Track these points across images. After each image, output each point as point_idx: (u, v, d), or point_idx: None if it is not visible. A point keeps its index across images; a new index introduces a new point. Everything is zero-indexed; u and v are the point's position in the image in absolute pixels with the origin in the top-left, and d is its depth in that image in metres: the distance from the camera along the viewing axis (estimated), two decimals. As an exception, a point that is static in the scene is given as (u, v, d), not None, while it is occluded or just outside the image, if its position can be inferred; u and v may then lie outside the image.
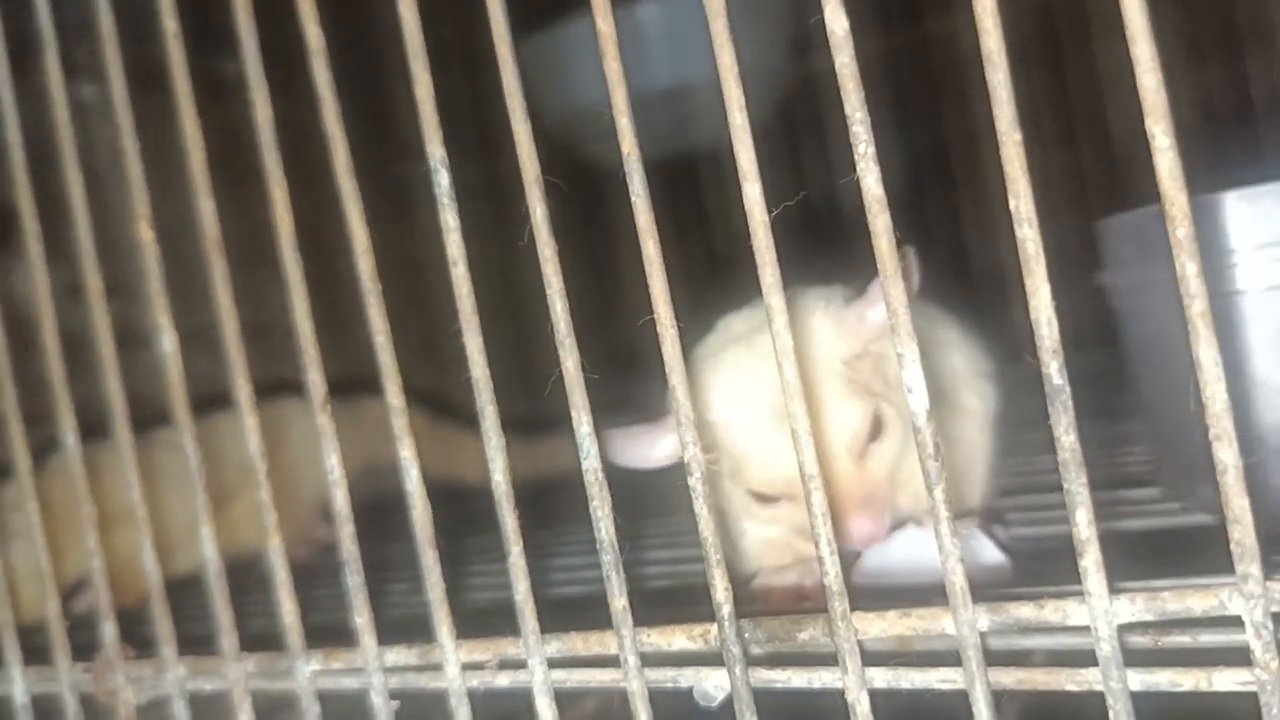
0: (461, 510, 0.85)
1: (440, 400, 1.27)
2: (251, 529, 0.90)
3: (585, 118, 1.36)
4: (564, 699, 0.58)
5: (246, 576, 0.88)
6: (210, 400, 0.80)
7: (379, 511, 0.80)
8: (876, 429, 0.65)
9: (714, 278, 0.76)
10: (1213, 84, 1.47)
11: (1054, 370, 0.44)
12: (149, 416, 0.84)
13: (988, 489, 0.76)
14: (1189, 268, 0.42)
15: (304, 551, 1.21)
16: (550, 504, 1.06)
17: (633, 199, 0.52)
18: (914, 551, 0.66)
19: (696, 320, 0.72)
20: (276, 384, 0.92)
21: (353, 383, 0.90)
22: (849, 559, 0.69)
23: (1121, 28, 0.42)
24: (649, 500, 0.83)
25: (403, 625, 0.65)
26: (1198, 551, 0.62)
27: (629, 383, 0.71)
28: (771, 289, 0.50)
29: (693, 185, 1.71)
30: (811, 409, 0.49)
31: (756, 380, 0.66)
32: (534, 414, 0.92)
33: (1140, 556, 0.63)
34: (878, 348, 0.67)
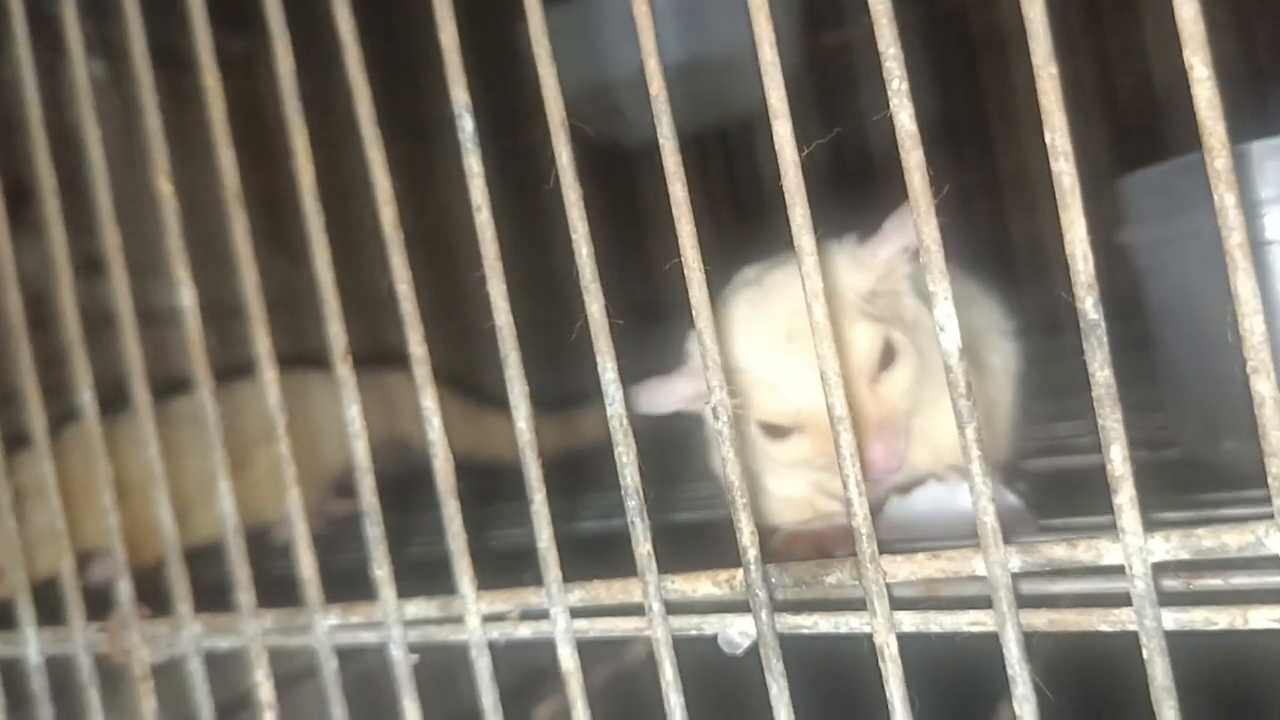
0: (479, 486, 0.85)
1: (462, 381, 1.27)
2: (264, 497, 0.90)
3: (607, 90, 1.36)
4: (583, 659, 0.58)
5: (260, 546, 0.88)
6: (225, 373, 0.80)
7: (399, 486, 0.80)
8: (889, 356, 0.65)
9: (727, 255, 0.75)
10: (1224, 39, 1.47)
11: (1089, 305, 0.44)
12: (165, 390, 0.84)
13: (1010, 446, 0.76)
14: (1227, 199, 0.42)
15: (316, 525, 1.20)
16: (572, 475, 1.06)
17: (660, 141, 0.51)
18: (936, 505, 0.66)
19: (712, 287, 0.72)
20: (293, 357, 0.92)
21: (375, 357, 0.90)
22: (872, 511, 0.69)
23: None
24: (674, 466, 0.83)
25: (422, 582, 0.65)
26: (1220, 505, 0.62)
27: (655, 335, 0.70)
28: (802, 229, 0.49)
29: (702, 161, 1.70)
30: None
31: (766, 312, 0.66)
32: (558, 383, 0.91)
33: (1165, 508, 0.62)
34: (891, 286, 0.67)
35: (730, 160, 1.69)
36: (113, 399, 0.72)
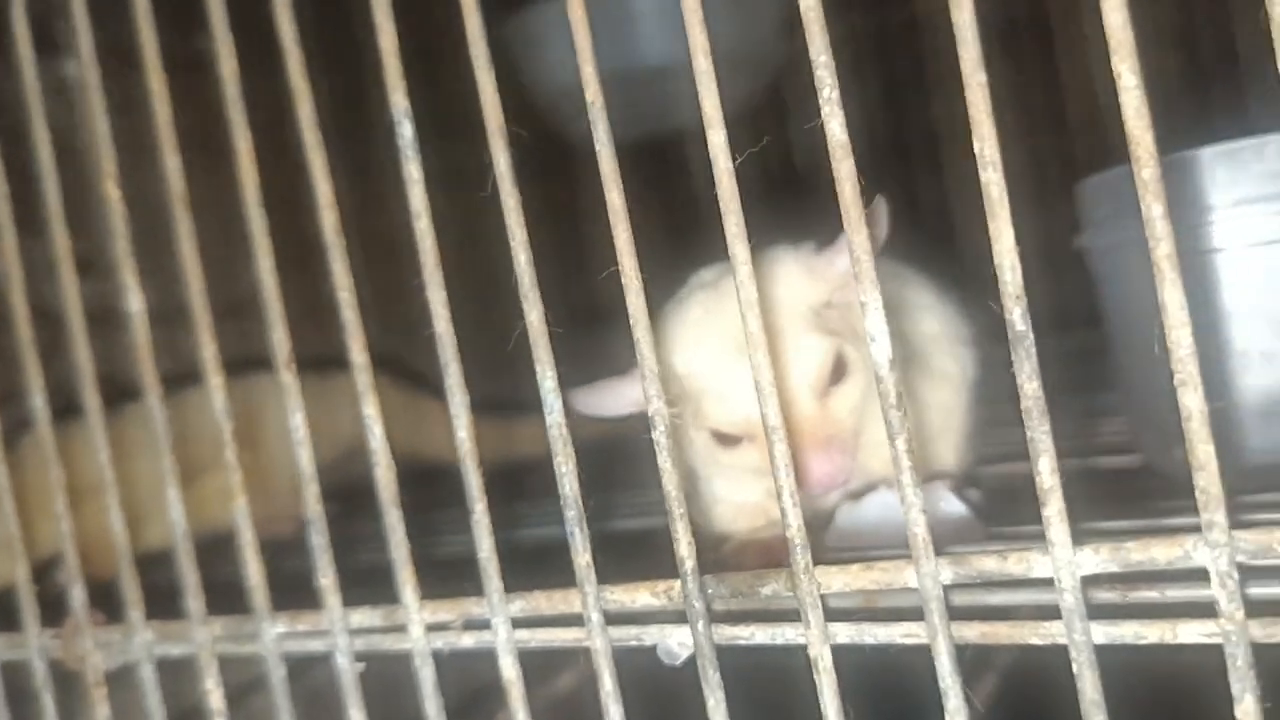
0: (440, 490, 0.84)
1: (423, 383, 1.25)
2: (224, 505, 0.90)
3: (563, 96, 1.36)
4: (538, 672, 0.57)
5: (220, 555, 0.88)
6: (184, 378, 0.80)
7: (363, 498, 0.80)
8: (840, 370, 0.64)
9: (691, 261, 0.75)
10: (1199, 40, 1.46)
11: (1017, 316, 0.44)
12: (122, 393, 0.83)
13: (964, 453, 0.75)
14: (1155, 209, 0.42)
15: (284, 529, 1.19)
16: (519, 482, 1.05)
17: (596, 147, 0.51)
18: (886, 513, 0.65)
19: (665, 288, 0.71)
20: (256, 363, 0.91)
21: (335, 364, 0.89)
22: (821, 521, 0.68)
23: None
24: (620, 473, 0.83)
25: (372, 592, 0.64)
26: (1171, 514, 0.62)
27: (596, 340, 0.70)
28: (736, 238, 0.49)
29: (681, 165, 1.70)
30: (775, 350, 0.49)
31: (718, 318, 0.65)
32: (500, 385, 0.91)
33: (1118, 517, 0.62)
34: (846, 298, 0.66)
35: (706, 162, 1.68)
36: (73, 402, 0.72)
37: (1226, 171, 0.61)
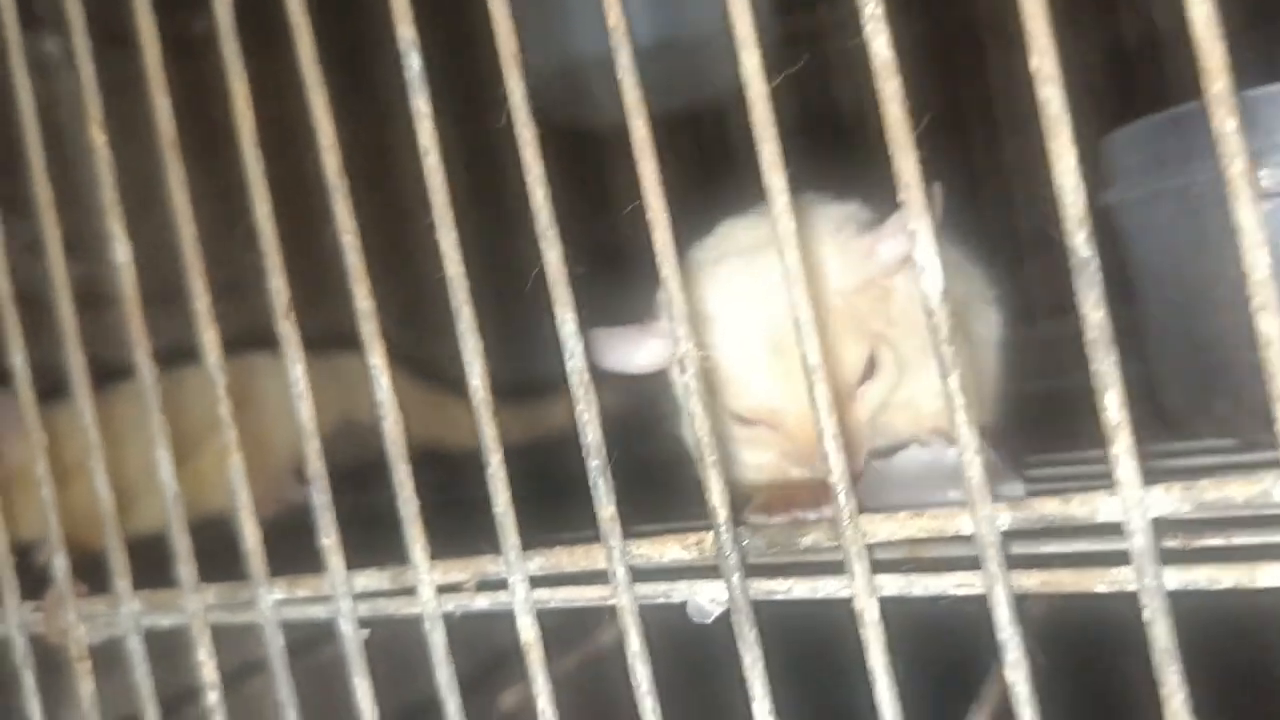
0: (445, 476, 0.81)
1: (426, 367, 1.23)
2: (214, 488, 0.86)
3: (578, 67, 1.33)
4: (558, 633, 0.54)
5: (210, 538, 0.85)
6: (173, 356, 0.77)
7: (358, 475, 0.77)
8: (869, 370, 0.63)
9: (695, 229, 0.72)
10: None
11: (1080, 242, 0.41)
12: (110, 375, 0.80)
13: (994, 414, 0.73)
14: (1228, 124, 0.39)
15: (272, 510, 1.17)
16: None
17: (619, 74, 0.48)
18: (918, 470, 0.63)
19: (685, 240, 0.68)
20: (249, 341, 0.88)
21: (332, 342, 0.87)
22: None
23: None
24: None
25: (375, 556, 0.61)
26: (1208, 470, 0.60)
27: (618, 284, 0.66)
28: (772, 166, 0.46)
29: (674, 142, 1.67)
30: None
31: (751, 302, 0.62)
32: (512, 357, 0.88)
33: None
34: (887, 282, 0.64)
35: (702, 141, 1.66)
36: (62, 382, 0.69)
37: (1267, 117, 0.59)
